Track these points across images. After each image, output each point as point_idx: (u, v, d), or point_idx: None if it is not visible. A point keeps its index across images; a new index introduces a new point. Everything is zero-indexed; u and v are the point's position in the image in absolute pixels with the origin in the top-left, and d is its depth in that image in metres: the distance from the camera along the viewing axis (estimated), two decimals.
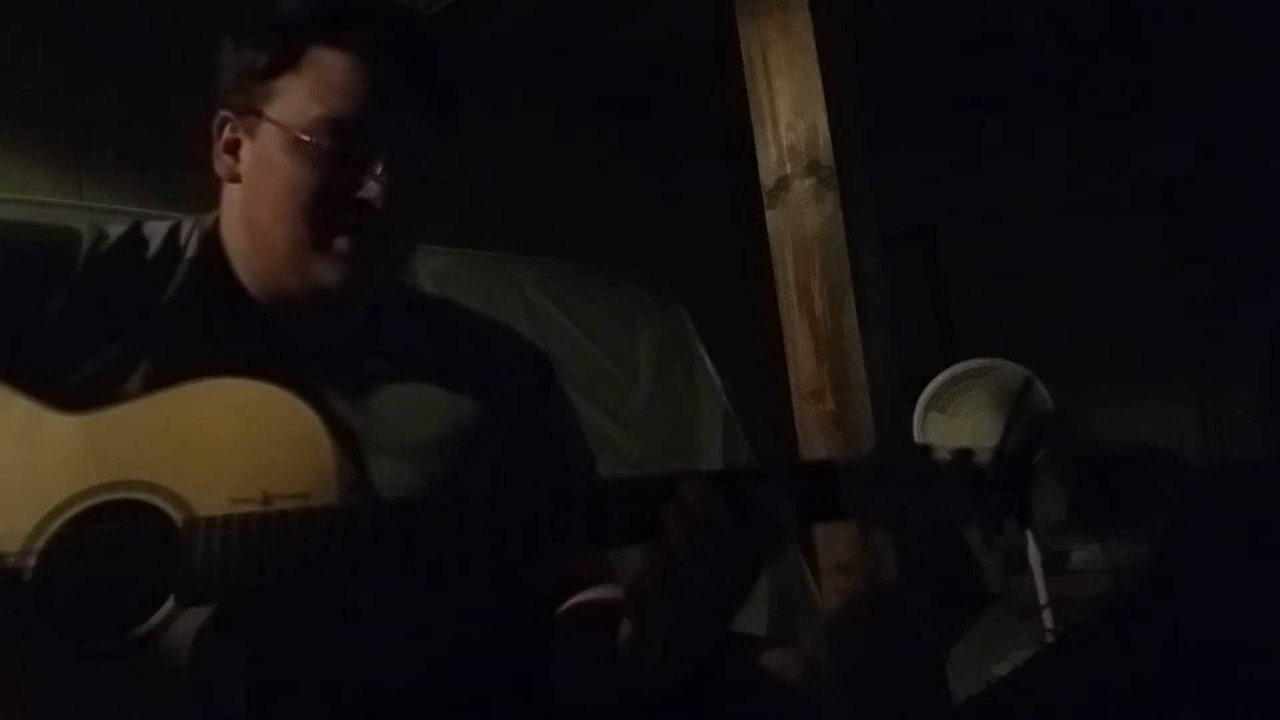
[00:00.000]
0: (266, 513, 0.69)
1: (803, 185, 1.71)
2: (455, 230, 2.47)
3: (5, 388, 0.75)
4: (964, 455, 0.71)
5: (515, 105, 3.02)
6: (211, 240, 0.88)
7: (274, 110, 0.82)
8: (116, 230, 0.86)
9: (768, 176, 1.77)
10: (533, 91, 3.04)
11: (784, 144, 1.74)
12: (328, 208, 0.81)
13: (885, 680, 1.61)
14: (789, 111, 1.74)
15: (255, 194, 0.84)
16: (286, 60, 0.82)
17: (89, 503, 0.71)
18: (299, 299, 0.84)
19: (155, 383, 0.76)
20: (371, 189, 0.80)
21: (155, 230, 0.87)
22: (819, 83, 1.70)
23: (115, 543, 0.70)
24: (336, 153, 0.80)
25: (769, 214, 1.77)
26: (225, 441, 0.73)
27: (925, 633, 1.64)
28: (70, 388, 0.76)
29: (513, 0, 2.55)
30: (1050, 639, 2.57)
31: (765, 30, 1.77)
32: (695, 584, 0.68)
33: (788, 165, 1.73)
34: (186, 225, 0.89)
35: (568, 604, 0.87)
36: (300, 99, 0.81)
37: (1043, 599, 2.69)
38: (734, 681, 0.76)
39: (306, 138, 0.80)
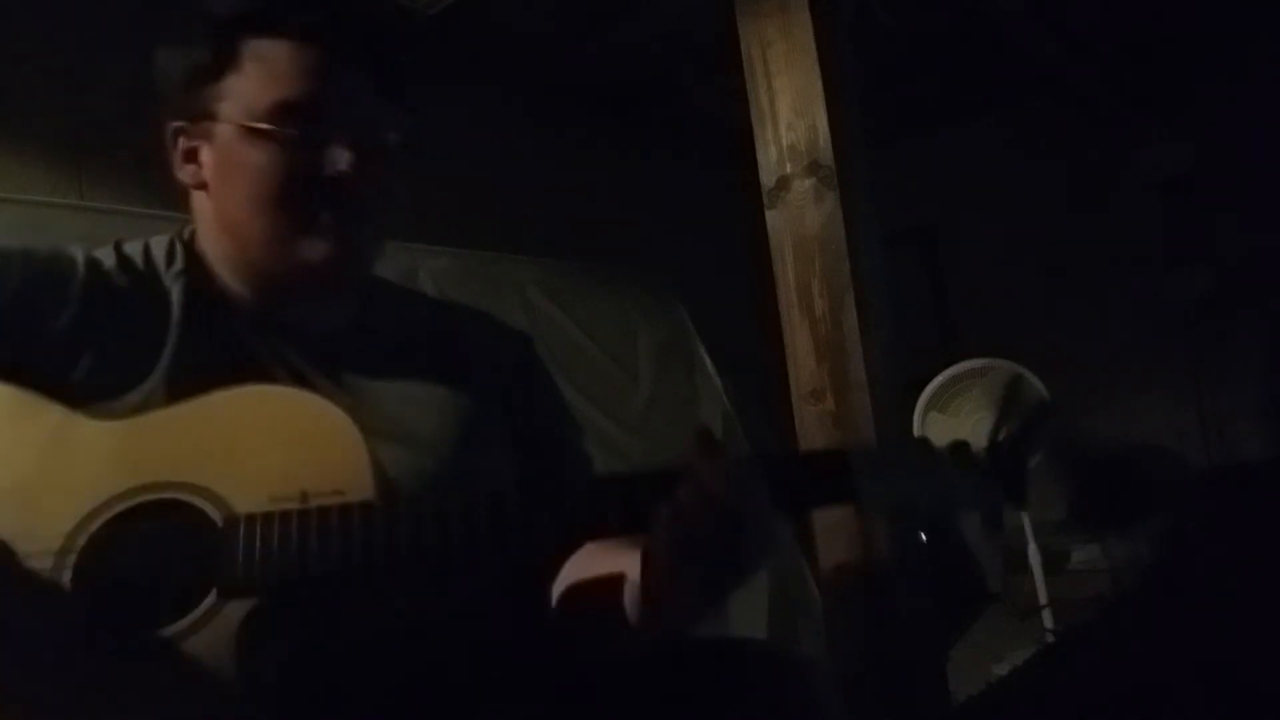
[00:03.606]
0: (305, 509, 0.70)
1: (803, 185, 1.71)
2: (455, 230, 2.48)
3: (38, 396, 0.76)
4: (961, 447, 0.75)
5: (515, 105, 3.02)
6: (191, 250, 0.89)
7: (226, 110, 0.83)
8: (105, 253, 0.87)
9: (768, 176, 1.77)
10: (533, 91, 3.04)
11: (784, 144, 1.74)
12: (302, 193, 0.82)
13: (885, 680, 1.61)
14: (789, 111, 1.74)
15: (226, 196, 0.85)
16: (228, 59, 0.83)
17: (129, 503, 0.72)
18: (287, 288, 0.86)
19: (172, 392, 0.77)
20: (340, 165, 0.81)
21: (133, 250, 0.89)
22: (819, 83, 1.70)
23: (155, 539, 0.71)
24: (298, 135, 0.81)
25: (769, 214, 1.77)
26: (261, 443, 0.74)
27: (925, 632, 1.64)
28: (87, 400, 0.77)
29: (512, 0, 2.55)
30: (1050, 639, 2.57)
31: (765, 30, 1.77)
32: (700, 564, 0.70)
33: (788, 165, 1.73)
34: (161, 240, 0.90)
35: (568, 567, 0.89)
36: (250, 92, 0.82)
37: (1043, 599, 2.69)
38: (734, 681, 0.76)
39: (265, 126, 0.81)
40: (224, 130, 0.83)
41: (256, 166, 0.82)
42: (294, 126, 0.81)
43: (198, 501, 0.71)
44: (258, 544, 0.69)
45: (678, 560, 0.71)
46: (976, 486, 0.74)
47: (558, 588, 0.89)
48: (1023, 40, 2.96)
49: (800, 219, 1.71)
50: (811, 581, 2.73)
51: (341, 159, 0.81)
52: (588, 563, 0.86)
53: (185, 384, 0.77)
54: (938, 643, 1.79)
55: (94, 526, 0.71)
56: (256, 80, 0.82)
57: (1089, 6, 2.90)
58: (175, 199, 0.92)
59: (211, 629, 0.67)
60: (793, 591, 2.76)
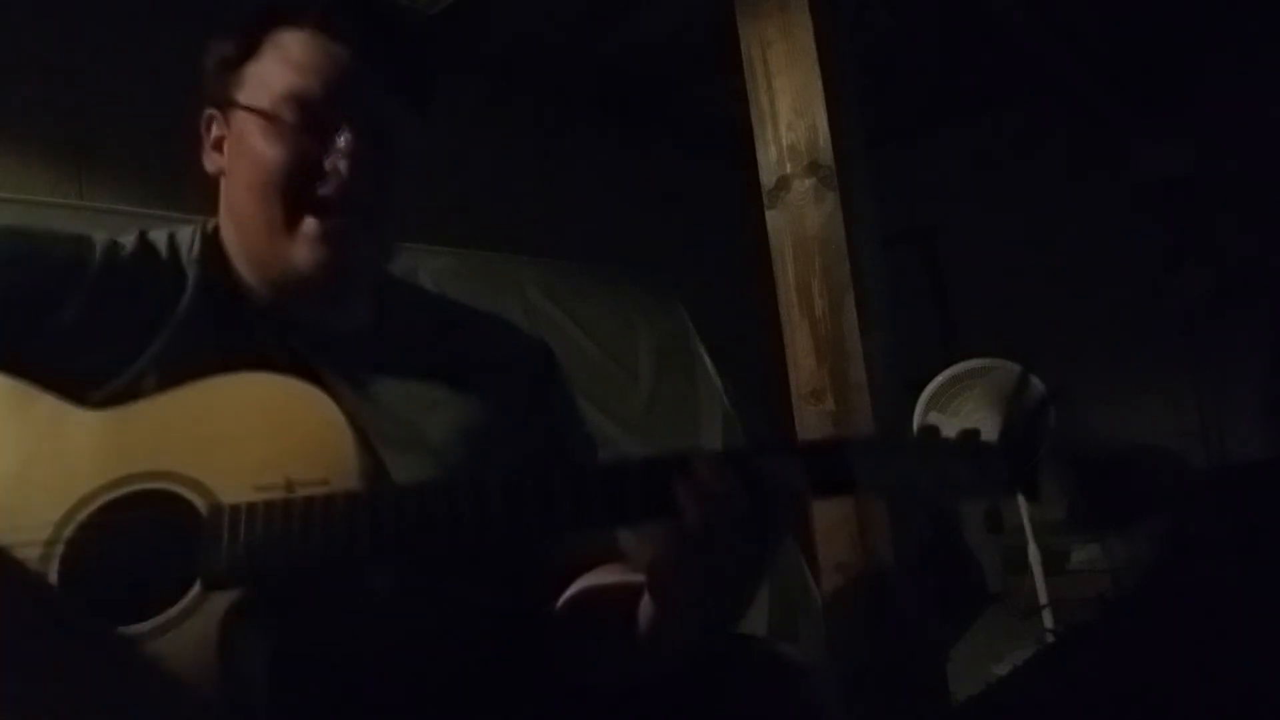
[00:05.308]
0: (290, 499, 0.69)
1: (803, 185, 1.71)
2: (455, 230, 2.48)
3: (30, 385, 0.76)
4: (970, 434, 0.73)
5: (515, 105, 3.02)
6: (212, 241, 0.89)
7: (243, 96, 0.84)
8: (129, 239, 0.87)
9: (768, 176, 1.77)
10: (533, 91, 3.04)
11: (784, 144, 1.74)
12: (295, 183, 0.81)
13: (885, 680, 1.61)
14: (789, 111, 1.73)
15: (234, 182, 0.86)
16: (251, 46, 0.85)
17: (116, 493, 0.71)
18: (287, 286, 0.85)
19: (172, 381, 0.77)
20: (337, 158, 0.81)
21: (158, 237, 0.89)
22: (819, 83, 1.70)
23: (141, 530, 0.71)
24: (300, 126, 0.81)
25: (769, 214, 1.77)
26: (247, 432, 0.73)
27: (925, 632, 1.64)
28: (90, 387, 0.77)
29: (513, 0, 2.55)
30: (1050, 639, 2.58)
31: (765, 30, 1.77)
32: (711, 557, 0.68)
33: (788, 165, 1.73)
34: (185, 230, 0.90)
35: (575, 586, 0.87)
36: (265, 79, 0.83)
37: (1043, 599, 2.69)
38: (734, 681, 0.76)
39: (270, 114, 0.81)
40: (239, 116, 0.84)
41: (259, 154, 0.82)
42: (298, 117, 0.81)
43: (184, 491, 0.71)
44: (241, 535, 0.68)
45: (680, 561, 0.69)
46: (984, 475, 0.71)
47: (570, 592, 0.88)
48: (1022, 40, 2.96)
49: (800, 219, 1.71)
50: (811, 581, 2.74)
51: (341, 153, 0.81)
52: (608, 576, 0.85)
53: (181, 372, 0.77)
54: (938, 643, 1.79)
55: (81, 517, 0.70)
56: (271, 68, 0.83)
57: (1089, 6, 2.90)
58: (174, 198, 0.93)
59: (196, 621, 0.67)
60: (793, 591, 2.76)
